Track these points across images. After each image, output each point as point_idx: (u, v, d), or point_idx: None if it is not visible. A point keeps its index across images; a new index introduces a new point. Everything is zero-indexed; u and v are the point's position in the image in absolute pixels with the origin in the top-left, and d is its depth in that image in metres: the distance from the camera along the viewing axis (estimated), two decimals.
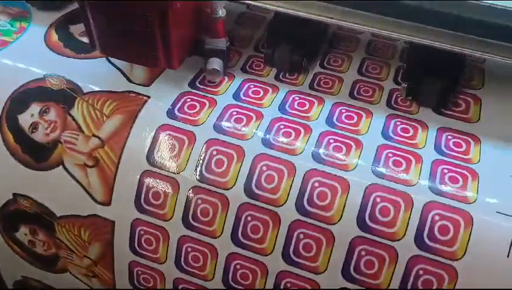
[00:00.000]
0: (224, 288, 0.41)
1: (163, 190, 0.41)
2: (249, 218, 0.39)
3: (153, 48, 0.41)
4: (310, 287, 0.39)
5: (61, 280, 0.49)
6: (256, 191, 0.39)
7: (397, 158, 0.39)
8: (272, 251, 0.39)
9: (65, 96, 0.45)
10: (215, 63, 0.43)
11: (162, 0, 0.38)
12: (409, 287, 0.36)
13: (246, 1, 0.44)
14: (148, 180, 0.41)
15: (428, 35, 0.41)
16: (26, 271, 0.50)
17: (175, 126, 0.42)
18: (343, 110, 0.43)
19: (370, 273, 0.37)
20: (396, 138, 0.41)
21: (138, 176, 0.41)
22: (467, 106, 0.43)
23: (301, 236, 0.38)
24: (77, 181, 0.44)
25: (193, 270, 0.42)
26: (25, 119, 0.45)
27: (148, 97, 0.44)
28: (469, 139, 0.41)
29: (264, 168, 0.40)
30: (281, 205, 0.39)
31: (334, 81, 0.46)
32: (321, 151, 0.40)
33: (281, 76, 0.47)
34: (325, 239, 0.38)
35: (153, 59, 0.42)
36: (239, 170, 0.40)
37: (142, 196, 0.42)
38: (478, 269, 0.35)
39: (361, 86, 0.46)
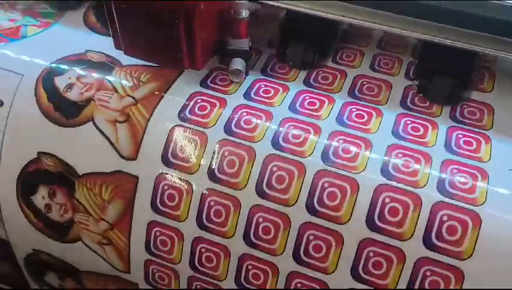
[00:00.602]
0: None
1: (191, 142, 0.42)
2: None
3: (177, 50, 0.42)
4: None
5: (72, 251, 0.48)
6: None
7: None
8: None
9: (104, 67, 0.46)
10: (238, 63, 0.45)
11: (188, 2, 0.40)
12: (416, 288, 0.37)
13: (267, 1, 0.45)
14: (177, 134, 0.42)
15: (440, 33, 0.42)
16: (37, 243, 0.50)
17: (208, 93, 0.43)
18: (354, 109, 0.43)
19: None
20: (406, 136, 0.41)
21: (167, 131, 0.42)
22: (481, 115, 0.44)
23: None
24: (105, 136, 0.45)
25: (214, 226, 0.42)
26: (62, 80, 0.47)
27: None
28: (480, 137, 0.41)
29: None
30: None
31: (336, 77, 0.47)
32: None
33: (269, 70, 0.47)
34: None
35: (177, 60, 0.43)
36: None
37: (170, 150, 0.42)
38: (486, 269, 0.36)
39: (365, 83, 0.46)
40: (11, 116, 0.48)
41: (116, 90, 0.46)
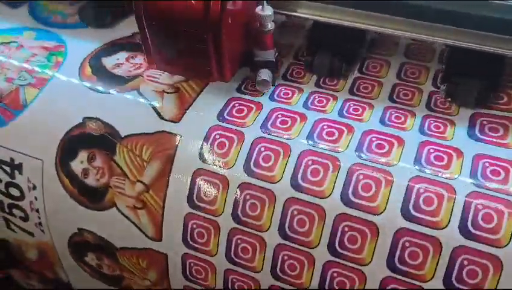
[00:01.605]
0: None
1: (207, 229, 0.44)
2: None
3: (207, 63, 0.44)
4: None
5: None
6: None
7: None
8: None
9: (106, 143, 0.47)
10: (265, 74, 0.46)
11: (214, 16, 0.41)
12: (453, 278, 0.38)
13: (290, 13, 0.47)
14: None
15: (466, 37, 0.43)
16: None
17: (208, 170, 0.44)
18: (392, 112, 0.45)
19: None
20: (435, 134, 0.42)
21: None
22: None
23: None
24: (130, 220, 0.47)
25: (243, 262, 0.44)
26: (76, 166, 0.48)
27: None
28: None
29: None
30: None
31: (374, 86, 0.48)
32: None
33: (321, 82, 0.49)
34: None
35: (206, 73, 0.45)
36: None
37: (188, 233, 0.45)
38: None
39: (401, 90, 0.47)
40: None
41: (126, 175, 0.47)
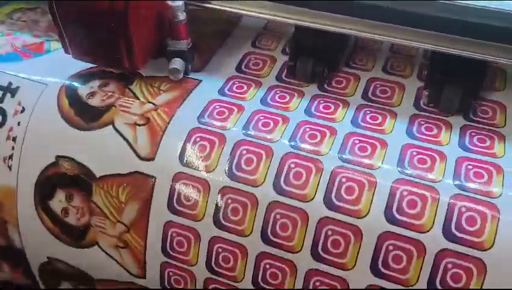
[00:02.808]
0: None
1: (208, 144, 0.43)
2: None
3: (117, 52, 0.44)
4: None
5: (88, 257, 0.48)
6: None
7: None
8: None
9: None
10: (176, 63, 0.47)
11: (117, 2, 0.41)
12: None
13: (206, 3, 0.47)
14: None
15: (447, 43, 0.42)
16: (53, 250, 0.50)
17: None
18: (368, 111, 0.44)
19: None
20: (420, 136, 0.41)
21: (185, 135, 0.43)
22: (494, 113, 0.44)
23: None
24: (124, 139, 0.45)
25: (231, 225, 0.42)
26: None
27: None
28: (493, 135, 0.41)
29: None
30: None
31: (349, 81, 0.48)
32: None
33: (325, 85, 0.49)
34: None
35: (117, 62, 0.45)
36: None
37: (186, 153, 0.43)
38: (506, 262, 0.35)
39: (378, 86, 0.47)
40: (31, 122, 0.48)
41: (137, 97, 0.47)
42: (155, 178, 0.44)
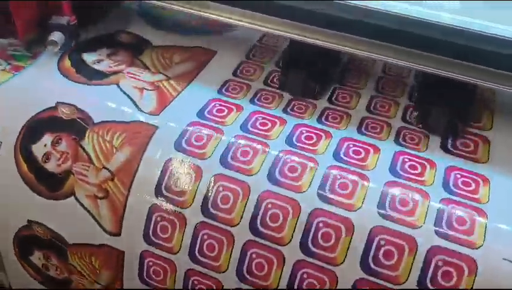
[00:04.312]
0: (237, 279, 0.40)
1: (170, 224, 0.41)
2: (254, 255, 0.39)
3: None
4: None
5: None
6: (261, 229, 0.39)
7: (404, 196, 0.39)
8: (290, 241, 0.39)
9: (76, 127, 0.46)
10: (54, 35, 0.49)
11: None
12: None
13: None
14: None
15: (438, 65, 0.42)
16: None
17: (184, 156, 0.42)
18: (351, 145, 0.43)
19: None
20: (404, 174, 0.41)
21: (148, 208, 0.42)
22: (476, 146, 0.44)
23: (305, 275, 0.38)
24: (88, 211, 0.44)
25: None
26: (38, 149, 0.45)
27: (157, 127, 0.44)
28: (478, 178, 0.41)
29: (270, 205, 0.40)
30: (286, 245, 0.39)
31: (352, 96, 0.48)
32: (326, 188, 0.39)
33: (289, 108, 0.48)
34: (329, 280, 0.38)
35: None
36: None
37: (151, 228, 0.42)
38: None
39: (378, 101, 0.48)
40: None
41: (91, 161, 0.45)
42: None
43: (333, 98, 0.48)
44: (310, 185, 0.39)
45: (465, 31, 0.41)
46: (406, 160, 0.42)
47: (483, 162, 0.42)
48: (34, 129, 0.46)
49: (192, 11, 0.47)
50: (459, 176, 0.40)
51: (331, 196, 0.39)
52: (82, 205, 0.44)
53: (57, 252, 0.46)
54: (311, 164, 0.40)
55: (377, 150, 0.42)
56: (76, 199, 0.44)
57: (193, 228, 0.40)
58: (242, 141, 0.42)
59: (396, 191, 0.39)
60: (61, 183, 0.45)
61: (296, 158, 0.41)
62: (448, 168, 0.41)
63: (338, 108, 0.47)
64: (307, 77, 0.48)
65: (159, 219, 0.42)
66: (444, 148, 0.43)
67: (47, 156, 0.45)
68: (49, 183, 0.45)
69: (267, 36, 0.55)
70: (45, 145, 0.45)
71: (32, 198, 0.45)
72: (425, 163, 0.41)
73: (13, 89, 0.48)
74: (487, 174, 0.40)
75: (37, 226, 0.46)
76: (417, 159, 0.42)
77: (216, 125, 0.44)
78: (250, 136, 0.43)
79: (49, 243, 0.46)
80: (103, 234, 0.43)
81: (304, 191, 0.39)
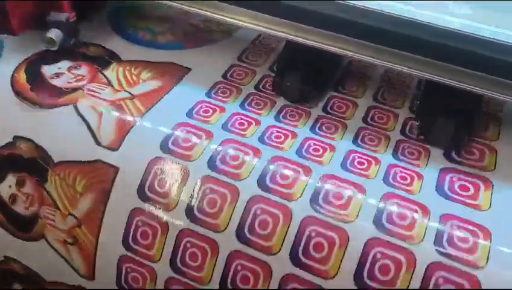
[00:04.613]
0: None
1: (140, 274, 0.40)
2: (239, 267, 0.38)
3: None
4: None
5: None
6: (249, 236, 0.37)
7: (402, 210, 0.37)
8: (279, 250, 0.37)
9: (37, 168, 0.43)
10: (52, 33, 0.47)
11: None
12: None
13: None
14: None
15: (445, 73, 0.40)
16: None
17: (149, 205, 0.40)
18: (356, 156, 0.41)
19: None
20: (397, 185, 0.39)
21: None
22: (481, 155, 0.41)
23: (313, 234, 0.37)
24: (60, 255, 0.43)
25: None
26: (4, 189, 0.44)
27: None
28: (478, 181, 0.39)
29: (259, 211, 0.38)
30: (274, 254, 0.37)
31: (348, 106, 0.45)
32: (320, 198, 0.37)
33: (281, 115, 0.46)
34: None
35: None
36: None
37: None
38: None
39: (376, 113, 0.45)
40: None
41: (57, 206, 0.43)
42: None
43: (328, 107, 0.45)
44: (301, 194, 0.38)
45: (473, 36, 0.39)
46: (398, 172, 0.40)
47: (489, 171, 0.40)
48: None
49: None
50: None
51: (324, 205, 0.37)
52: (53, 248, 0.43)
53: (35, 286, 0.46)
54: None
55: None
56: (47, 241, 0.43)
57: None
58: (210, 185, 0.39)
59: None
60: (31, 225, 0.44)
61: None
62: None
63: (333, 117, 0.44)
64: (304, 80, 0.45)
65: (129, 269, 0.40)
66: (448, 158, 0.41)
67: (13, 198, 0.44)
68: (19, 225, 0.44)
69: (248, 53, 0.51)
70: (10, 186, 0.44)
71: (5, 236, 0.44)
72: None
73: None
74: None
75: (13, 262, 0.46)
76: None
77: (183, 162, 0.40)
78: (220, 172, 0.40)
79: (27, 278, 0.46)
80: (77, 277, 0.43)
81: (296, 200, 0.37)
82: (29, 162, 0.43)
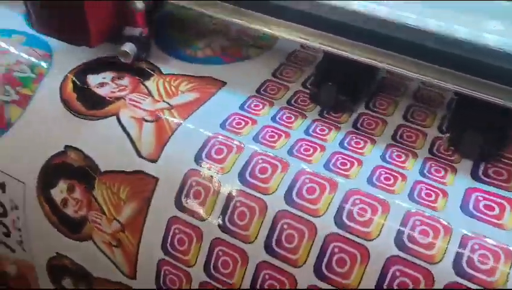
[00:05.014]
0: None
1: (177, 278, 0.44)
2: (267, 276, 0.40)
3: (73, 27, 0.47)
4: None
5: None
6: (276, 249, 0.40)
7: (424, 227, 0.38)
8: (304, 262, 0.40)
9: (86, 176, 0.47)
10: (127, 46, 0.49)
11: None
12: None
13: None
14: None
15: (477, 87, 0.41)
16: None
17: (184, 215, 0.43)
18: (383, 172, 0.42)
19: None
20: (422, 201, 0.40)
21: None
22: (509, 175, 0.42)
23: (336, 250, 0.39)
24: (105, 255, 0.47)
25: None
26: (56, 194, 0.48)
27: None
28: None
29: (285, 226, 0.40)
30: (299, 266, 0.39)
31: (378, 123, 0.46)
32: (344, 215, 0.39)
33: (324, 113, 0.48)
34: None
35: (73, 36, 0.48)
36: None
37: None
38: None
39: (405, 131, 0.46)
40: None
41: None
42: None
43: (358, 124, 0.46)
44: (326, 210, 0.40)
45: (506, 52, 0.40)
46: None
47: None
48: (50, 174, 0.49)
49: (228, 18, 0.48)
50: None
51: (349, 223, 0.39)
52: (99, 248, 0.47)
53: (84, 281, 0.51)
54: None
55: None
56: (95, 243, 0.47)
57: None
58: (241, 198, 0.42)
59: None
60: (80, 227, 0.48)
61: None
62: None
63: (362, 133, 0.46)
64: (339, 90, 0.47)
65: (167, 272, 0.44)
66: (475, 177, 0.42)
67: (65, 202, 0.48)
68: (70, 226, 0.49)
69: (282, 69, 0.53)
70: (61, 191, 0.48)
71: (57, 235, 0.49)
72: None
73: (25, 128, 0.50)
74: None
75: (65, 258, 0.51)
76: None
77: (216, 174, 0.43)
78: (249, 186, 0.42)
79: (77, 272, 0.51)
80: (121, 276, 0.47)
81: (321, 215, 0.39)
82: (78, 170, 0.47)
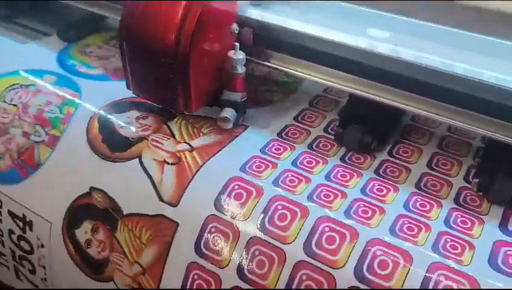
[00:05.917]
0: None
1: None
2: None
3: (174, 92, 0.46)
4: None
5: None
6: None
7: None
8: (344, 265, 0.39)
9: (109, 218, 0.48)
10: (227, 112, 0.48)
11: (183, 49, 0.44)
12: None
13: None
14: None
15: (507, 132, 0.41)
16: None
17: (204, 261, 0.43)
18: (406, 221, 0.41)
19: None
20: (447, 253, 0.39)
21: None
22: None
23: None
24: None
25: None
26: (81, 234, 0.49)
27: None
28: None
29: (304, 277, 0.39)
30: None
31: (402, 171, 0.46)
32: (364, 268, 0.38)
33: (346, 158, 0.47)
34: None
35: (173, 102, 0.47)
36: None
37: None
38: None
39: (429, 180, 0.45)
40: None
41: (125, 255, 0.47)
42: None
43: (381, 170, 0.46)
44: (346, 261, 0.39)
45: None
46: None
47: None
48: (75, 215, 0.50)
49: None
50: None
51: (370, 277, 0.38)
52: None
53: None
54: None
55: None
56: (116, 284, 0.48)
57: None
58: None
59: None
60: (102, 268, 0.49)
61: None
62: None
63: (384, 179, 0.45)
64: (365, 132, 0.47)
65: None
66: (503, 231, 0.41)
67: (88, 242, 0.49)
68: (93, 267, 0.49)
69: (304, 114, 0.54)
70: (86, 232, 0.49)
71: (79, 275, 0.50)
72: None
73: (53, 168, 0.52)
74: None
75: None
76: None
77: (235, 221, 0.43)
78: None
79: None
80: None
81: (341, 268, 0.39)
82: (102, 211, 0.48)
